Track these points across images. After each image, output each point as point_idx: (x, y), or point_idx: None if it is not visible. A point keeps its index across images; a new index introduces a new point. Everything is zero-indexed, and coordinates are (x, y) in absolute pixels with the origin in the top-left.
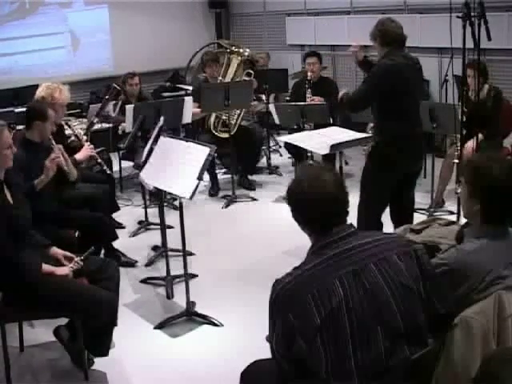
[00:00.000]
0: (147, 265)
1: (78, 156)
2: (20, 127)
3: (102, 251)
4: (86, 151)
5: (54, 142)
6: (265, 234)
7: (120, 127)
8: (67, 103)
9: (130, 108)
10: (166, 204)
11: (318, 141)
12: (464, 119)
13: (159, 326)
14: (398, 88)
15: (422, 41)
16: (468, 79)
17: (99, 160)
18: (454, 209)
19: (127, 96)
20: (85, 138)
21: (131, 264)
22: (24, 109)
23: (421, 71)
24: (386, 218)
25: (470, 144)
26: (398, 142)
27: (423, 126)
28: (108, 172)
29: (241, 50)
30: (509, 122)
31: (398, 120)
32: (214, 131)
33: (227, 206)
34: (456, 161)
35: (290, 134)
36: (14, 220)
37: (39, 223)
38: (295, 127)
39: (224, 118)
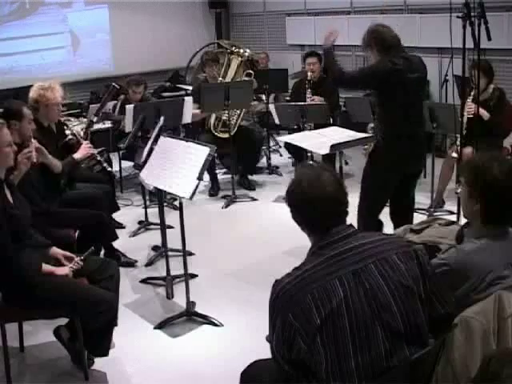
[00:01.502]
0: (147, 265)
1: (77, 155)
2: None
3: (102, 251)
4: (84, 150)
5: (32, 139)
6: (265, 234)
7: (121, 126)
8: (66, 102)
9: (130, 108)
10: (165, 204)
11: (317, 141)
12: (465, 120)
13: (159, 326)
14: (395, 85)
15: (422, 41)
16: (474, 79)
17: (98, 158)
18: (454, 209)
19: (127, 98)
20: (83, 136)
21: (131, 264)
22: None
23: (423, 71)
24: (385, 217)
25: (470, 149)
26: (398, 143)
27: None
28: (108, 169)
29: (241, 51)
30: (510, 122)
31: (398, 121)
32: (213, 131)
33: (227, 206)
34: (455, 155)
35: (290, 134)
36: (14, 220)
37: (39, 223)
38: (295, 127)
39: (224, 118)
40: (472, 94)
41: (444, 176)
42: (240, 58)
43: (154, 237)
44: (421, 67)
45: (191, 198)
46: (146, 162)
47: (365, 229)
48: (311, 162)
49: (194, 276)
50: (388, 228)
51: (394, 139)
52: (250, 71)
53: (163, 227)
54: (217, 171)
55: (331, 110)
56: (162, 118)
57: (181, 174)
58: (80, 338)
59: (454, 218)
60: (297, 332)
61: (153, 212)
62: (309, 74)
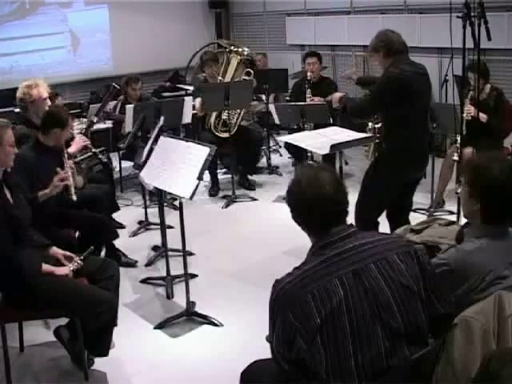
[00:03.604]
0: (147, 265)
1: (71, 149)
2: (20, 127)
3: (103, 251)
4: (78, 143)
5: (66, 156)
6: (265, 233)
7: (122, 127)
8: (66, 102)
9: (130, 108)
10: (165, 204)
11: (317, 141)
12: (464, 122)
13: (159, 326)
14: (406, 97)
15: (422, 41)
16: (470, 81)
17: (94, 150)
18: (454, 209)
19: (127, 98)
20: (76, 131)
21: (131, 264)
22: None
23: (428, 77)
24: (382, 217)
25: (470, 149)
26: (403, 151)
27: None
28: (104, 160)
29: (240, 50)
30: (510, 122)
31: (404, 128)
32: (214, 131)
33: (227, 206)
34: (455, 158)
35: (290, 134)
36: (14, 220)
37: (39, 223)
38: (295, 127)
39: (224, 117)
40: (469, 95)
41: (444, 176)
42: (239, 57)
43: (154, 237)
44: (424, 75)
45: (191, 197)
46: (145, 161)
47: (361, 229)
48: (311, 162)
49: (194, 276)
50: (384, 227)
51: (396, 147)
52: (250, 70)
53: (163, 227)
54: (217, 171)
55: (331, 110)
56: (161, 118)
57: (181, 174)
58: (80, 338)
59: (454, 218)
60: (297, 331)
61: (153, 212)
62: (309, 73)
